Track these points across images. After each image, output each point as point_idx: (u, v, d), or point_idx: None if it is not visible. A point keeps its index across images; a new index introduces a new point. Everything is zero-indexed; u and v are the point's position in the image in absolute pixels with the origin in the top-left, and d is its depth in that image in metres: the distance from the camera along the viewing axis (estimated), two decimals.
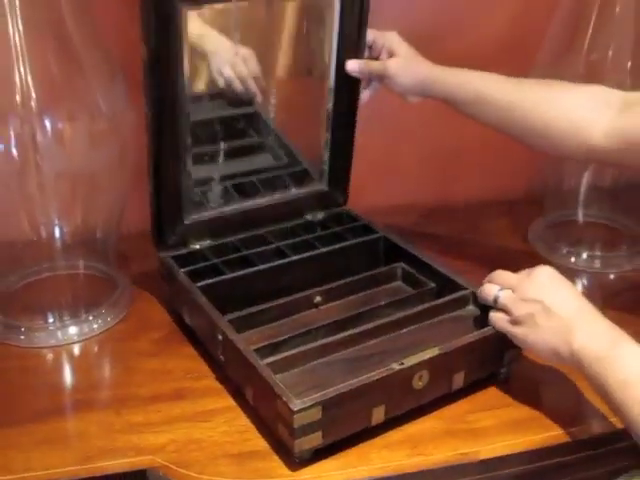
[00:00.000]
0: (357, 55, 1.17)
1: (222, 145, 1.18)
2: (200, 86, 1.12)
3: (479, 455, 0.90)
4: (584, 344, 0.86)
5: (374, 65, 1.16)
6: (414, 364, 0.89)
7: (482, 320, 0.98)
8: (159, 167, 1.08)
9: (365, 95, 1.22)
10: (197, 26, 1.07)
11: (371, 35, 1.17)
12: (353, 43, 1.17)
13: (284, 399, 0.83)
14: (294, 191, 1.25)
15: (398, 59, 1.14)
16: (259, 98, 1.20)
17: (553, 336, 0.89)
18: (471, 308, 1.05)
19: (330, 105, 1.21)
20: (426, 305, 1.05)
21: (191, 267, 1.11)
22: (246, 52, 1.15)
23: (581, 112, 1.02)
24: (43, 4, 1.03)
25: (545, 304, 0.90)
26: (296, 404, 0.82)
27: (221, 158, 1.18)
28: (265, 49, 1.17)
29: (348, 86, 1.20)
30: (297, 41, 1.19)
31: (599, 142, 1.00)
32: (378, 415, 0.88)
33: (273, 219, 1.22)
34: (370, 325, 1.00)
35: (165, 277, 1.13)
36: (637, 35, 1.18)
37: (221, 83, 1.15)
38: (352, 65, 1.17)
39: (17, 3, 1.00)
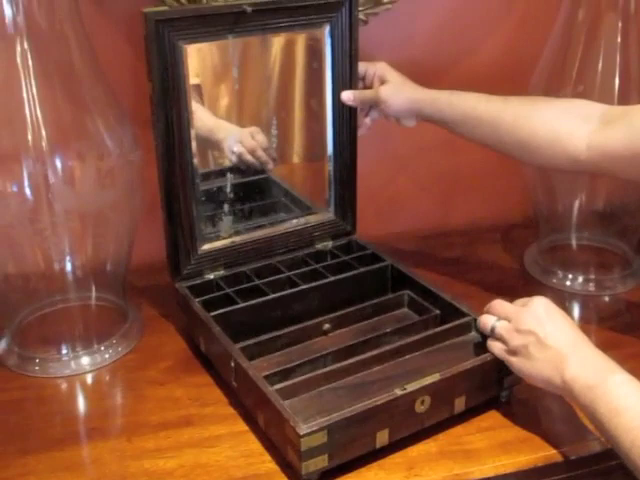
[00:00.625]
0: (350, 86, 1.21)
1: (231, 176, 1.21)
2: None
3: (471, 476, 0.92)
4: (575, 374, 0.88)
5: (367, 93, 1.20)
6: (416, 389, 0.91)
7: (483, 346, 1.00)
8: (171, 199, 1.12)
9: (365, 124, 1.25)
10: (207, 118, 1.15)
11: (363, 66, 1.21)
12: (346, 75, 1.21)
13: (292, 423, 0.86)
14: (303, 220, 1.27)
15: (389, 85, 1.18)
16: (270, 165, 1.25)
17: (546, 366, 0.91)
18: (473, 334, 1.07)
19: (331, 136, 1.24)
20: (429, 332, 1.07)
21: (206, 297, 1.13)
22: (253, 128, 1.21)
23: (563, 124, 1.04)
24: (53, 46, 1.06)
25: (539, 336, 0.92)
26: (303, 428, 0.85)
27: (230, 188, 1.21)
28: (262, 83, 1.21)
29: (346, 117, 1.23)
30: (292, 76, 1.23)
31: (581, 153, 1.01)
32: (382, 438, 0.91)
33: (284, 249, 1.25)
34: (374, 352, 1.02)
35: (181, 306, 1.16)
36: (622, 68, 1.21)
37: (234, 159, 1.21)
38: (347, 95, 1.21)
39: (27, 45, 1.03)
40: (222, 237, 1.21)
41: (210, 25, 1.08)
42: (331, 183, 1.28)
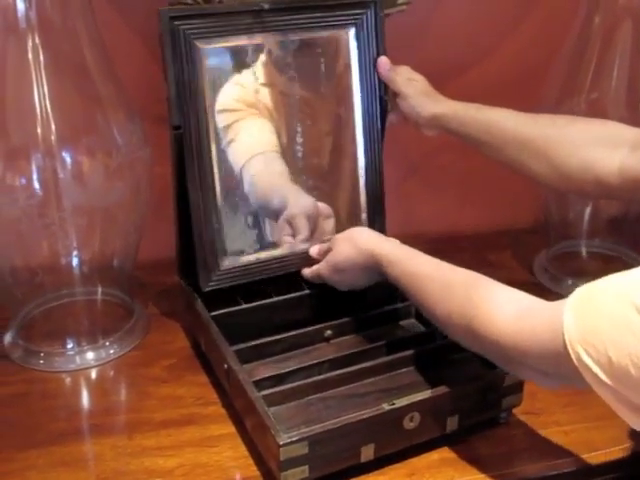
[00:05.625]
0: (380, 91, 1.18)
1: None
2: None
3: None
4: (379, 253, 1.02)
5: (398, 78, 1.15)
6: (404, 405, 0.89)
7: (484, 364, 0.97)
8: (182, 198, 1.09)
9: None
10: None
11: None
12: (374, 80, 1.17)
13: (272, 432, 0.84)
14: None
15: (418, 84, 1.15)
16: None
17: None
18: None
19: (362, 144, 1.19)
20: (428, 346, 1.04)
21: (210, 296, 1.11)
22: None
23: (593, 149, 1.00)
24: (64, 41, 1.06)
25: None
26: (283, 438, 0.83)
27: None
28: (284, 88, 1.16)
29: (373, 119, 1.19)
30: (316, 80, 1.17)
31: (613, 180, 0.98)
32: (367, 453, 0.88)
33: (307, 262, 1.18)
34: (368, 364, 1.01)
35: (185, 304, 1.16)
36: (637, 75, 1.19)
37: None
38: (385, 60, 1.16)
39: (39, 40, 1.03)
40: (246, 252, 1.15)
41: (227, 24, 1.05)
42: (362, 194, 1.23)
